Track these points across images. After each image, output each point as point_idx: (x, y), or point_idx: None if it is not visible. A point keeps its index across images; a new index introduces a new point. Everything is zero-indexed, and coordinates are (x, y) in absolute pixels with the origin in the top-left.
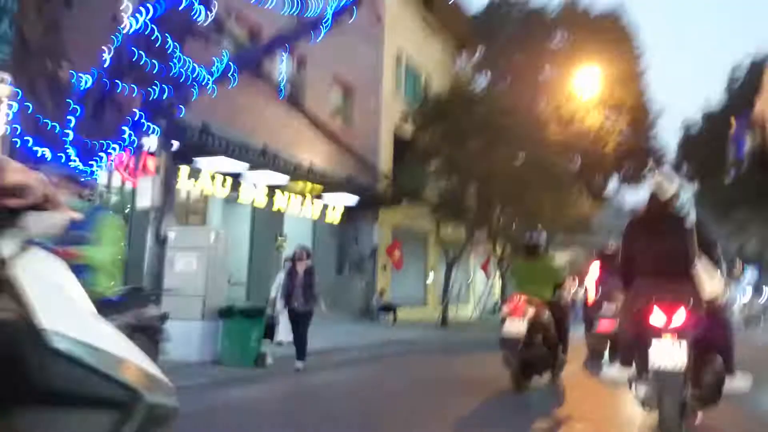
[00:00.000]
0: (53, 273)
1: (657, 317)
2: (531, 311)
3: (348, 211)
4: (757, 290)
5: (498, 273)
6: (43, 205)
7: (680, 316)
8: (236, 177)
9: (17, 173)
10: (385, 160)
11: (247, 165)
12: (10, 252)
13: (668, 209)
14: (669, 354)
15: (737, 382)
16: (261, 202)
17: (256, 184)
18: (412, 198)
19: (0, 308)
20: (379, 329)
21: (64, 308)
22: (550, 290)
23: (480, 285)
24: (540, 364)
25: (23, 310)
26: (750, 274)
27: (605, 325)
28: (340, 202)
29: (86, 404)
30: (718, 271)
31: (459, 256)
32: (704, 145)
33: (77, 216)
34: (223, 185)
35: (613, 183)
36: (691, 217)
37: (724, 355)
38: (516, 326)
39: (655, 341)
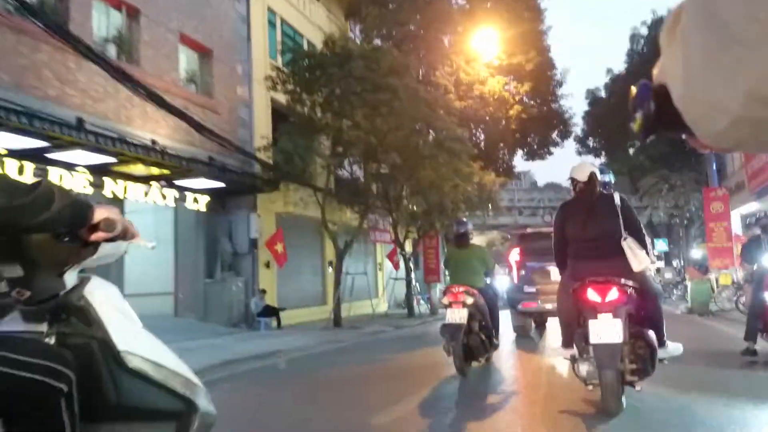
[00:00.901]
0: (113, 297)
1: (592, 297)
2: (469, 300)
3: (218, 198)
4: (667, 262)
5: (403, 261)
6: (122, 236)
7: (613, 295)
8: (38, 156)
9: (103, 210)
10: (262, 136)
11: (48, 142)
12: (74, 281)
13: (592, 190)
14: (606, 330)
15: (670, 351)
16: (78, 187)
17: (72, 166)
18: (296, 180)
19: (78, 333)
20: (254, 339)
21: (129, 329)
22: (482, 277)
23: (389, 276)
24: (479, 350)
25: (99, 334)
26: (659, 245)
27: (528, 305)
28: (203, 187)
29: (151, 417)
30: (645, 248)
31: (350, 245)
32: (609, 115)
33: (150, 245)
34: (20, 172)
35: (518, 157)
36: (617, 195)
37: (655, 328)
38: (458, 314)
39: (591, 320)
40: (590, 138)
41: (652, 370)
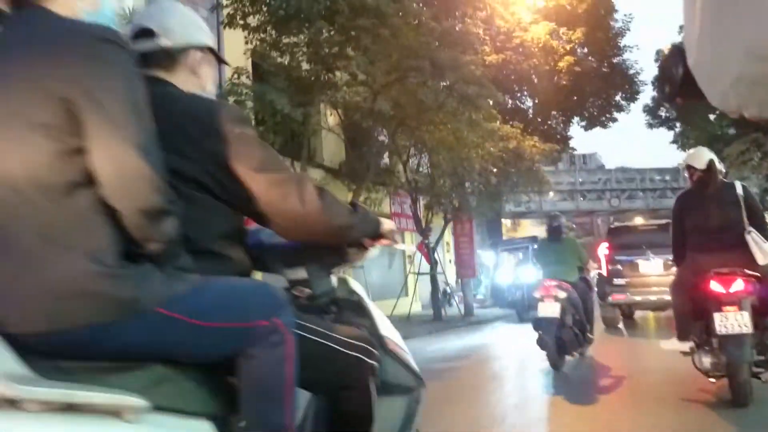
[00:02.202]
0: (360, 290)
1: (716, 288)
2: (562, 294)
3: None
4: None
5: (428, 250)
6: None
7: (739, 285)
8: None
9: (387, 222)
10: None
11: None
12: (335, 280)
13: (712, 178)
14: (733, 322)
15: None
16: None
17: None
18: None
19: (352, 322)
20: None
21: (383, 318)
22: (575, 271)
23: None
24: (573, 344)
25: (367, 322)
26: None
27: (617, 297)
28: None
29: (395, 391)
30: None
31: None
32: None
33: (410, 250)
34: None
35: (576, 128)
36: (738, 184)
37: None
38: (550, 308)
39: (717, 313)
40: (661, 107)
41: None
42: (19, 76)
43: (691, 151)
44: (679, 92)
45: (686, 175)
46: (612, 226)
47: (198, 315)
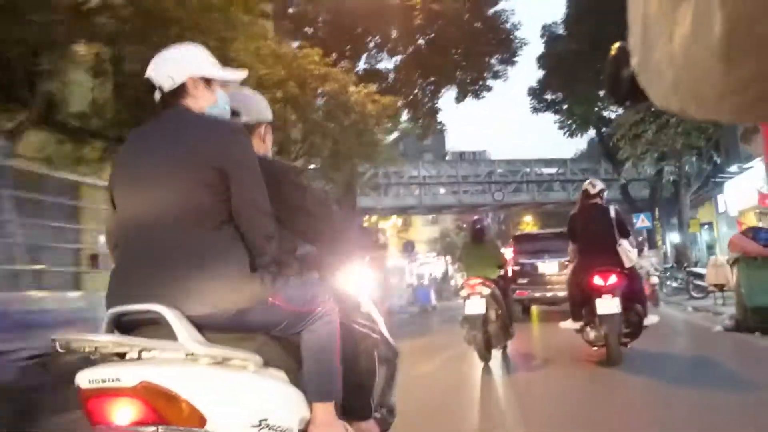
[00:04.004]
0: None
1: (598, 282)
2: (486, 291)
3: None
4: (652, 244)
5: None
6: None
7: (613, 279)
8: None
9: (382, 236)
10: None
11: None
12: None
13: (596, 202)
14: (609, 305)
15: (650, 320)
16: None
17: None
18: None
19: (349, 314)
20: None
21: (369, 304)
22: (495, 270)
23: None
24: (498, 338)
25: (361, 313)
26: (639, 222)
27: (520, 293)
28: None
29: (380, 361)
30: (632, 248)
31: None
32: (573, 59)
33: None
34: None
35: (448, 100)
36: (612, 207)
37: (641, 303)
38: (476, 304)
39: (598, 299)
40: (548, 91)
41: (639, 334)
42: (186, 153)
43: (589, 180)
44: (627, 95)
45: (581, 195)
46: (516, 234)
47: (288, 302)
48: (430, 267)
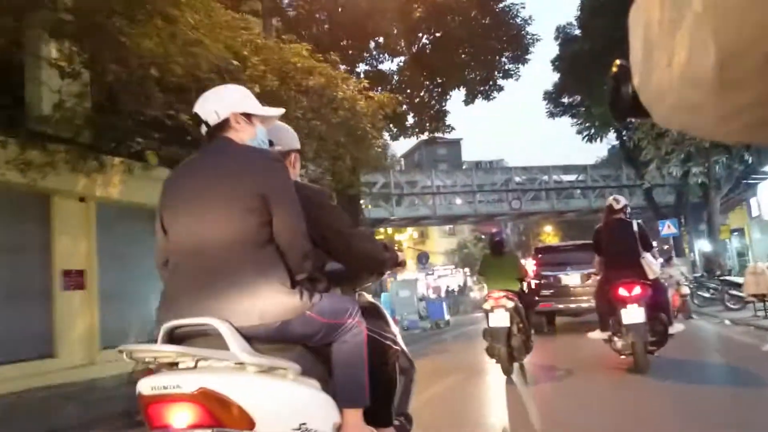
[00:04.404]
0: (375, 300)
1: (623, 293)
2: (510, 304)
3: None
4: (679, 252)
5: None
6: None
7: (637, 290)
8: None
9: (401, 253)
10: None
11: None
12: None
13: (620, 217)
14: (634, 315)
15: (676, 328)
16: None
17: None
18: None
19: (373, 327)
20: None
21: (389, 318)
22: (516, 283)
23: None
24: (520, 350)
25: (381, 323)
26: (665, 229)
27: (544, 305)
28: None
29: (401, 373)
30: (655, 261)
31: None
32: (588, 58)
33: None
34: None
35: (457, 102)
36: (635, 222)
37: (665, 312)
38: (501, 317)
39: (623, 309)
40: (564, 94)
41: (665, 342)
42: (232, 181)
43: (613, 196)
44: (629, 112)
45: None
46: (538, 246)
47: (322, 315)
48: (448, 279)
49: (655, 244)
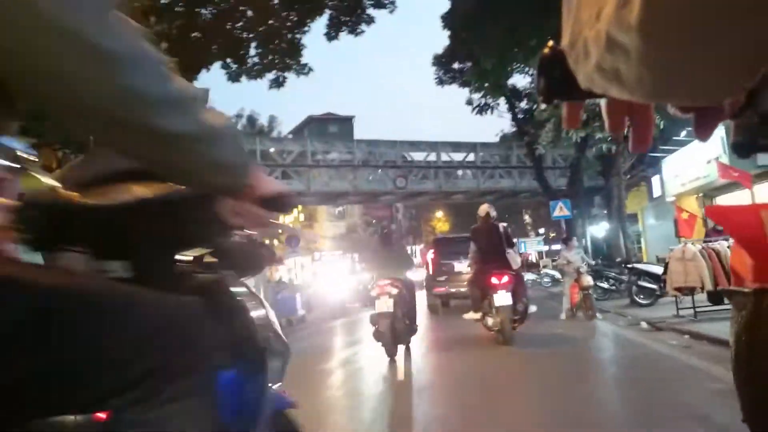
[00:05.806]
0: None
1: (494, 281)
2: (394, 290)
3: None
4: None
5: None
6: None
7: (506, 279)
8: None
9: (273, 182)
10: None
11: None
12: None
13: (489, 221)
14: (504, 299)
15: (531, 309)
16: None
17: None
18: None
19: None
20: None
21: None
22: (403, 271)
23: None
24: (404, 334)
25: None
26: (557, 211)
27: (439, 289)
28: None
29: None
30: (517, 256)
31: None
32: (485, 14)
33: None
34: None
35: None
36: (501, 225)
37: (524, 297)
38: (385, 303)
39: (494, 294)
40: (455, 61)
41: (524, 319)
42: None
43: (483, 206)
44: (556, 94)
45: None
46: (437, 238)
47: None
48: (335, 265)
49: (542, 231)
